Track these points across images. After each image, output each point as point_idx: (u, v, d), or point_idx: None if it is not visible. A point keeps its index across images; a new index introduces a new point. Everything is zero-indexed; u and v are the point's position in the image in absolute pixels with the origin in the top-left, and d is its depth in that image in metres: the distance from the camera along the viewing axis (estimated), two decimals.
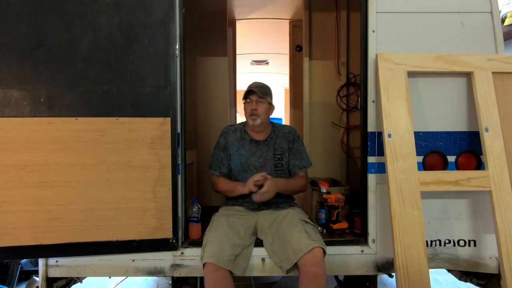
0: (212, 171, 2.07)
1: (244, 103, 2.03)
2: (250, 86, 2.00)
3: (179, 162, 1.91)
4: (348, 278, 2.46)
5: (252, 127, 2.02)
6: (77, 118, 1.78)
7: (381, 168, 1.90)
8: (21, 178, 1.75)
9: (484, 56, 1.91)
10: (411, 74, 1.91)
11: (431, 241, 1.93)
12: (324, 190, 2.30)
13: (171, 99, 1.86)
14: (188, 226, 2.06)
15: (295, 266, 1.72)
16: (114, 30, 1.81)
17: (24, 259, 3.03)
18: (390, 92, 1.85)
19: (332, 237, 2.10)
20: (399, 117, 1.83)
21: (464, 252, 1.94)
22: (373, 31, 1.93)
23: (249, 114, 1.98)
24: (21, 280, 3.05)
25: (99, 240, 1.82)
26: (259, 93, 1.95)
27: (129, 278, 3.03)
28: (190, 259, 1.92)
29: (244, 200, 2.04)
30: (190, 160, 2.53)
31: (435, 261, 1.94)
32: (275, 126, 2.11)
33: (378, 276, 2.10)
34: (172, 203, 1.87)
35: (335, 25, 2.97)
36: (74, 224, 1.80)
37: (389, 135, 1.81)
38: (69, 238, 1.80)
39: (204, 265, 1.69)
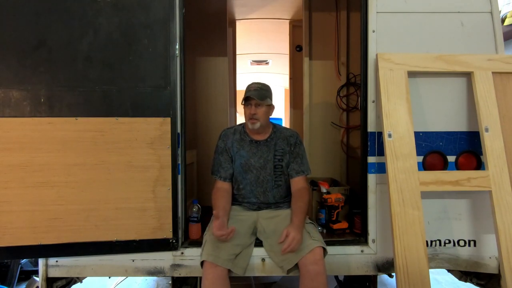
0: (213, 176, 2.06)
1: (243, 106, 2.00)
2: (248, 89, 1.96)
3: (179, 162, 1.91)
4: (348, 278, 2.46)
5: (251, 130, 2.00)
6: (77, 118, 1.79)
7: (381, 168, 1.90)
8: (21, 178, 1.75)
9: (484, 56, 1.91)
10: (411, 74, 1.91)
11: (431, 241, 1.94)
12: (324, 190, 2.30)
13: (171, 99, 1.86)
14: (188, 226, 2.06)
15: (296, 266, 1.72)
16: (114, 30, 1.81)
17: (24, 259, 3.03)
18: (390, 92, 1.85)
19: (332, 237, 2.10)
20: (399, 117, 1.83)
21: (464, 252, 1.94)
22: (373, 31, 1.93)
23: (248, 117, 1.96)
24: (21, 280, 3.05)
25: (99, 240, 1.82)
26: (257, 98, 1.91)
27: (129, 278, 3.03)
28: (190, 259, 1.92)
29: (244, 200, 2.04)
30: (190, 160, 2.53)
31: (435, 261, 1.94)
32: (276, 127, 2.08)
33: (378, 276, 2.11)
34: (172, 203, 1.87)
35: (335, 25, 2.97)
36: (74, 224, 1.80)
37: (389, 135, 1.81)
38: (69, 238, 1.80)
39: (202, 263, 1.70)
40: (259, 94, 1.92)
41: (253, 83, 2.00)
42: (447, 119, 1.93)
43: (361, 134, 2.01)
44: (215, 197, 1.95)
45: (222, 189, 1.99)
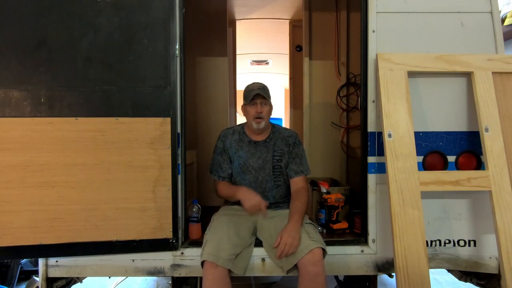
0: (212, 176, 2.07)
1: (246, 105, 1.98)
2: (252, 89, 1.96)
3: (179, 162, 1.91)
4: (348, 278, 2.46)
5: (255, 129, 2.00)
6: (77, 118, 1.78)
7: (381, 168, 1.90)
8: (21, 178, 1.75)
9: (484, 56, 1.91)
10: (411, 74, 1.91)
11: (431, 241, 1.94)
12: (324, 190, 2.30)
13: (171, 99, 1.86)
14: (188, 226, 2.06)
15: (295, 266, 1.72)
16: (114, 30, 1.81)
17: (24, 259, 3.03)
18: (390, 92, 1.85)
19: (332, 237, 2.10)
20: (399, 117, 1.83)
21: (464, 252, 1.94)
22: (373, 31, 1.93)
23: (254, 117, 1.95)
24: (21, 280, 3.05)
25: (99, 240, 1.82)
26: (265, 95, 1.93)
27: (129, 278, 3.03)
28: (190, 259, 1.92)
29: None
30: (190, 160, 2.53)
31: (435, 261, 1.94)
32: (275, 127, 2.08)
33: (378, 276, 2.11)
34: (172, 203, 1.87)
35: (335, 25, 2.97)
36: (74, 224, 1.80)
37: (389, 135, 1.81)
38: (69, 238, 1.80)
39: (203, 263, 1.70)
40: (264, 92, 1.94)
41: (254, 83, 2.00)
42: (447, 119, 1.93)
43: (361, 134, 2.01)
44: (222, 189, 2.02)
45: (223, 183, 2.04)
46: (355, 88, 2.87)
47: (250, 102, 1.95)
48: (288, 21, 3.70)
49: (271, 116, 2.06)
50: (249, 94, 1.95)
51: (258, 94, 1.93)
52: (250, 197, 1.88)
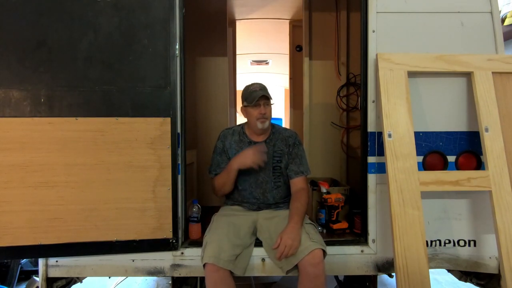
0: (210, 175, 2.07)
1: (248, 106, 1.96)
2: (254, 89, 1.94)
3: (179, 162, 1.91)
4: (348, 278, 2.46)
5: (258, 130, 1.98)
6: (77, 118, 1.78)
7: (381, 168, 1.90)
8: (21, 178, 1.75)
9: (484, 56, 1.91)
10: (411, 74, 1.91)
11: (431, 241, 1.94)
12: (324, 190, 2.30)
13: (171, 99, 1.86)
14: (188, 226, 2.06)
15: (295, 266, 1.72)
16: (114, 30, 1.81)
17: (24, 259, 3.03)
18: (390, 92, 1.85)
19: (332, 237, 2.10)
20: (399, 117, 1.83)
21: (464, 252, 1.94)
22: (373, 31, 1.93)
23: (258, 117, 1.94)
24: (21, 280, 3.05)
25: (99, 240, 1.82)
26: (268, 96, 1.93)
27: (129, 278, 3.03)
28: (190, 259, 1.92)
29: (244, 201, 2.04)
30: (190, 160, 2.53)
31: (435, 261, 1.94)
32: (275, 128, 2.08)
33: (378, 276, 2.11)
34: (172, 203, 1.87)
35: (335, 25, 2.97)
36: (74, 224, 1.80)
37: (389, 135, 1.81)
38: (69, 238, 1.80)
39: (204, 265, 1.70)
40: (267, 93, 1.94)
41: (254, 84, 1.99)
42: (447, 119, 1.93)
43: (361, 134, 2.01)
44: (218, 180, 2.00)
45: (217, 176, 2.03)
46: (355, 88, 2.87)
47: (253, 104, 1.93)
48: (288, 21, 3.70)
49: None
50: (252, 95, 1.93)
51: (262, 96, 1.92)
52: (243, 157, 1.90)
